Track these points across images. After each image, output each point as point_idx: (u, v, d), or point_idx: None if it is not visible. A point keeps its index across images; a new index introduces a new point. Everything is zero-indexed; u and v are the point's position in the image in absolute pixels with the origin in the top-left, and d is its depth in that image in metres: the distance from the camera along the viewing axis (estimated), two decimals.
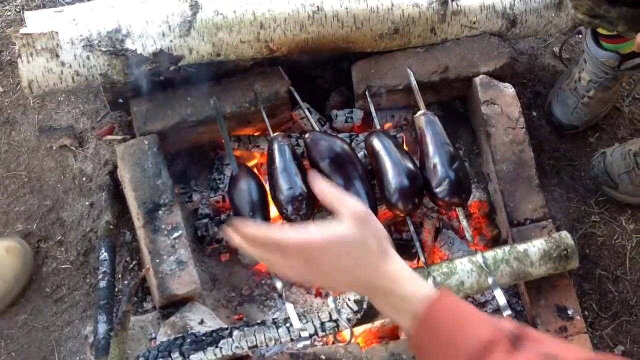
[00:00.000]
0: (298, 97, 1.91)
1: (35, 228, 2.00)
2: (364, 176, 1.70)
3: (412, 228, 1.67)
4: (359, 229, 1.10)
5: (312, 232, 1.11)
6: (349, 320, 1.57)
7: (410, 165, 1.70)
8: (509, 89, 1.89)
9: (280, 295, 1.68)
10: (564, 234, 1.68)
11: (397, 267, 1.11)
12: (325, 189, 1.15)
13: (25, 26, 1.73)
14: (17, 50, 1.70)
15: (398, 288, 1.09)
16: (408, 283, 1.09)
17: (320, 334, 1.58)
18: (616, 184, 2.02)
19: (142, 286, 1.84)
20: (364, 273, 1.10)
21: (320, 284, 1.24)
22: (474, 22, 1.95)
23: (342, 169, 1.70)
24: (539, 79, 2.24)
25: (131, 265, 1.92)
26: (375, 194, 1.70)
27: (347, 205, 1.12)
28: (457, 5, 1.92)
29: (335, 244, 1.09)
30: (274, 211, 1.74)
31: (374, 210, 1.66)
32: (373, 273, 1.10)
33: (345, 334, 1.61)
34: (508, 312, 1.56)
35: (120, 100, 1.92)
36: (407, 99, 1.94)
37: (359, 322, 1.58)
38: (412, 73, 1.88)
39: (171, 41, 1.76)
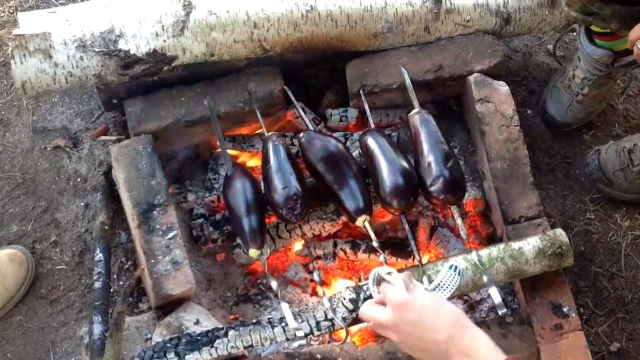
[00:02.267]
0: (292, 97, 1.90)
1: (30, 229, 2.00)
2: (359, 175, 1.70)
3: (407, 227, 1.67)
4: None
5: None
6: (344, 319, 1.57)
7: (405, 164, 1.70)
8: (503, 87, 1.89)
9: (275, 295, 1.68)
10: (559, 231, 1.68)
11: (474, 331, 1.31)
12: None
13: (19, 27, 1.73)
14: (10, 52, 1.69)
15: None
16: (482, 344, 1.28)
17: (316, 333, 1.58)
18: (611, 181, 2.02)
19: (138, 287, 1.84)
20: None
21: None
22: (468, 21, 1.95)
23: (336, 168, 1.70)
24: (533, 76, 2.24)
25: (126, 266, 1.92)
26: (370, 192, 1.70)
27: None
28: (451, 4, 1.92)
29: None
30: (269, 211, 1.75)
31: (369, 208, 1.67)
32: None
33: (341, 333, 1.61)
34: (503, 310, 1.56)
35: (115, 101, 1.92)
36: (401, 98, 1.94)
37: (355, 321, 1.58)
38: (406, 72, 1.88)
39: (164, 41, 1.76)
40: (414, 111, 1.79)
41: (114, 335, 1.52)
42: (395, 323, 1.37)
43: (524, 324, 1.70)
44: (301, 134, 1.82)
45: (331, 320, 1.57)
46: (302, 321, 1.57)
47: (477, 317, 1.80)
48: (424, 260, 1.67)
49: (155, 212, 1.73)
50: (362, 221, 1.65)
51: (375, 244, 1.63)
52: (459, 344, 1.29)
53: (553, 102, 2.12)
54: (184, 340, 1.55)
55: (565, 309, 1.67)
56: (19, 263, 1.90)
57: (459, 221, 1.66)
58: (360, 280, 1.84)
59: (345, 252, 1.86)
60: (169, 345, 1.54)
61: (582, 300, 1.93)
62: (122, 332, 1.54)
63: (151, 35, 1.75)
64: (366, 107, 1.90)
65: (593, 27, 1.91)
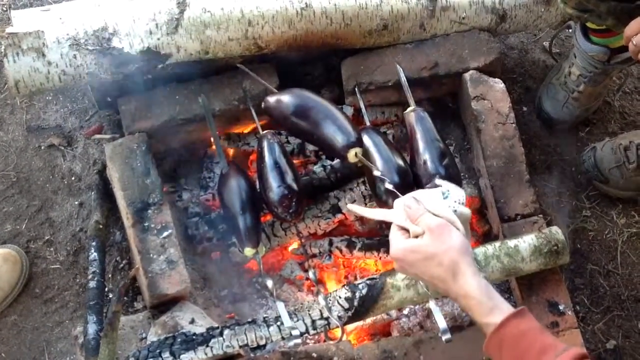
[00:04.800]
0: None
1: (24, 228, 1.99)
2: (341, 112, 1.68)
3: None
4: (432, 242, 1.33)
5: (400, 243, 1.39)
6: (340, 317, 1.56)
7: (401, 162, 1.69)
8: (498, 85, 1.89)
9: (271, 294, 1.68)
10: (555, 229, 1.67)
11: (466, 287, 1.29)
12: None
13: (12, 25, 1.71)
14: (2, 50, 1.68)
15: (468, 306, 1.29)
16: (474, 305, 1.29)
17: (312, 332, 1.57)
18: (607, 178, 2.02)
19: (132, 286, 1.83)
20: (438, 283, 1.33)
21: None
22: (463, 18, 1.94)
23: (314, 112, 1.68)
24: (529, 74, 2.24)
25: (121, 265, 1.92)
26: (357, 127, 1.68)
27: (423, 222, 1.36)
28: (446, 1, 1.92)
29: (411, 253, 1.36)
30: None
31: (359, 140, 1.64)
32: (443, 286, 1.33)
33: (337, 331, 1.60)
34: (447, 336, 1.53)
35: (109, 99, 1.91)
36: (397, 96, 1.93)
37: (350, 320, 1.58)
38: (401, 69, 1.88)
39: (159, 39, 1.75)
40: (409, 109, 1.79)
41: (108, 334, 1.52)
42: (400, 262, 1.41)
43: None
44: (264, 99, 1.79)
45: (327, 318, 1.56)
46: (298, 320, 1.57)
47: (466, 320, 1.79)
48: None
49: (149, 211, 1.73)
50: (353, 155, 1.62)
51: (376, 172, 1.62)
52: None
53: (549, 99, 2.11)
54: (179, 340, 1.54)
55: (561, 307, 1.67)
56: (13, 262, 1.89)
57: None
58: (356, 278, 1.84)
59: (341, 251, 1.85)
60: (164, 344, 1.53)
61: (578, 298, 1.93)
62: (116, 332, 1.54)
63: (145, 33, 1.74)
64: (361, 104, 1.89)
65: (589, 24, 1.91)
